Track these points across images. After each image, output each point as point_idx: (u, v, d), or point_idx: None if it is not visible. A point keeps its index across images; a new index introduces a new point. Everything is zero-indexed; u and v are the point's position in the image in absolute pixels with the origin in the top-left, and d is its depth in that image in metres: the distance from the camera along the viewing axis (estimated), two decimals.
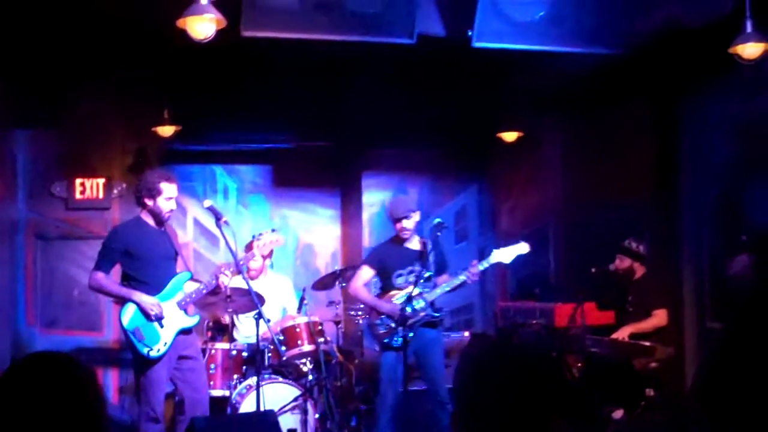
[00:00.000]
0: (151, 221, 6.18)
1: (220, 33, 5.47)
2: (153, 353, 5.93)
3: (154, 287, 6.05)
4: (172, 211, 6.16)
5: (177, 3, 5.35)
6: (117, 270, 6.31)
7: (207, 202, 6.17)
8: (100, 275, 6.08)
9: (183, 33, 5.45)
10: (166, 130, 8.71)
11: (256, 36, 5.98)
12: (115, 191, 9.29)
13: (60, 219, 9.19)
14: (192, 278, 6.27)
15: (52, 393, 2.24)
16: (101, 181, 9.21)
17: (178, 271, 6.27)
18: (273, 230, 6.56)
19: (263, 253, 6.55)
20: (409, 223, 6.75)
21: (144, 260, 6.09)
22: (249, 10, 5.81)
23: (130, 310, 5.97)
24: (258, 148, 9.99)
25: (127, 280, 6.10)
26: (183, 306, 6.10)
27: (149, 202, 6.11)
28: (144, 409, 6.05)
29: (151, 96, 7.91)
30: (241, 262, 6.46)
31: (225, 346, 7.26)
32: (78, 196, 9.17)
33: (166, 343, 5.98)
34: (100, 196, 9.22)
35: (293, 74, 7.62)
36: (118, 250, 6.08)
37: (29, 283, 9.05)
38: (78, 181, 9.16)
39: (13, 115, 8.53)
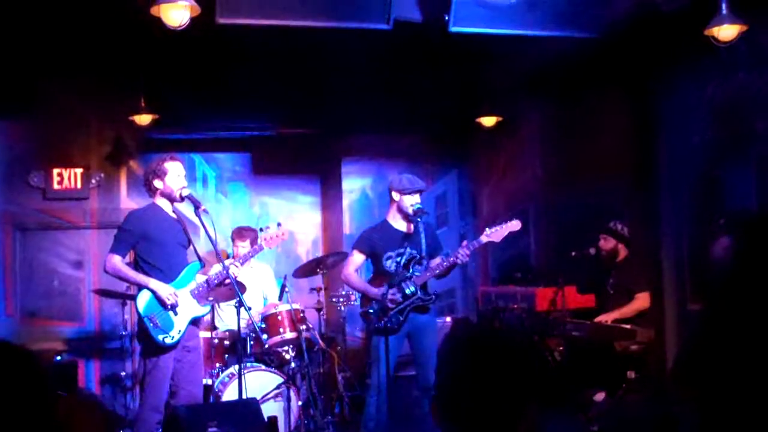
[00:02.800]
0: (166, 207, 6.15)
1: (195, 20, 5.44)
2: (168, 340, 5.91)
3: (167, 273, 6.02)
4: (184, 188, 6.12)
5: None
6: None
7: (185, 191, 6.12)
8: (116, 259, 6.02)
9: (158, 21, 5.42)
10: (144, 119, 8.66)
11: (231, 23, 5.94)
12: (93, 181, 9.25)
13: (38, 209, 9.14)
14: (202, 268, 6.25)
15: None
16: (79, 170, 9.18)
17: (189, 259, 6.24)
18: (279, 224, 6.50)
19: (270, 247, 6.50)
20: (411, 200, 6.68)
21: (159, 245, 6.05)
22: None
23: (144, 296, 5.94)
24: (236, 135, 9.97)
25: (140, 264, 6.07)
26: (196, 295, 6.09)
27: (159, 185, 6.09)
28: (148, 397, 6.01)
29: (127, 85, 7.87)
30: (250, 255, 6.52)
31: (207, 334, 7.24)
32: (56, 186, 9.14)
33: (180, 331, 5.97)
34: (78, 186, 9.19)
35: (270, 61, 7.60)
36: (135, 233, 6.03)
37: (8, 273, 9.01)
38: (55, 171, 9.13)
39: None
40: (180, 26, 5.37)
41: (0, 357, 2.29)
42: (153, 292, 5.92)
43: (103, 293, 8.19)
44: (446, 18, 6.27)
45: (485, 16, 6.30)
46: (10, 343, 2.36)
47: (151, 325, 5.87)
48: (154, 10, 5.36)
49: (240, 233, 7.94)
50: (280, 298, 7.87)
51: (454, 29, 6.33)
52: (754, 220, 2.88)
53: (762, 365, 2.54)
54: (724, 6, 5.91)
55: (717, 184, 7.12)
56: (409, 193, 6.69)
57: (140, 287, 5.98)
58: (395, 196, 6.77)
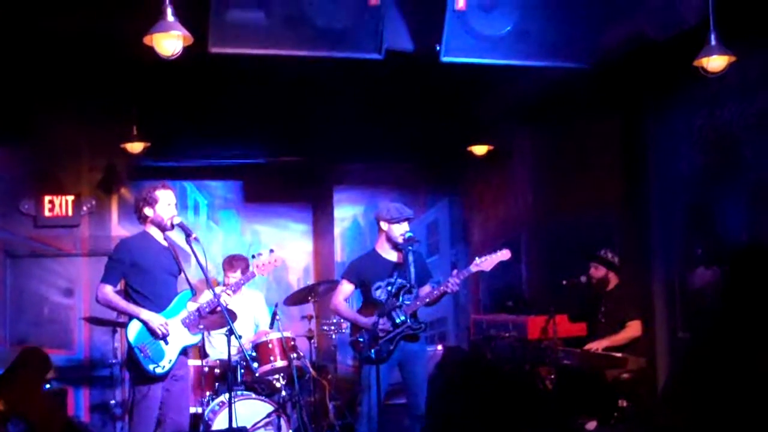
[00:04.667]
0: (157, 235, 6.14)
1: (187, 49, 5.45)
2: (159, 370, 5.87)
3: (157, 303, 5.99)
4: (174, 217, 6.10)
5: (143, 20, 5.32)
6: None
7: (176, 219, 6.11)
8: (108, 289, 5.99)
9: (150, 50, 5.43)
10: (136, 147, 8.67)
11: (223, 52, 5.96)
12: (85, 208, 9.25)
13: (29, 236, 9.13)
14: (193, 296, 6.22)
15: None
16: (70, 198, 9.18)
17: (179, 288, 6.22)
18: (271, 251, 6.48)
19: (263, 274, 6.48)
20: (400, 229, 6.70)
21: (149, 274, 6.02)
22: (216, 26, 5.80)
23: (135, 326, 5.90)
24: (228, 163, 9.97)
25: (131, 293, 6.03)
26: (187, 324, 6.06)
27: (149, 212, 6.08)
28: (137, 427, 5.95)
29: (119, 113, 7.89)
30: (242, 283, 6.54)
31: (197, 362, 7.21)
32: (47, 213, 9.13)
33: (171, 360, 5.93)
34: (70, 213, 9.18)
35: (262, 90, 7.62)
36: (126, 262, 6.01)
37: None
38: (47, 198, 9.13)
39: None
40: (173, 55, 5.38)
41: None
42: (144, 322, 5.89)
43: (94, 321, 8.16)
44: (438, 48, 6.31)
45: (476, 47, 6.34)
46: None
47: (142, 355, 5.84)
48: (146, 40, 5.37)
49: (231, 263, 7.93)
50: (271, 325, 7.85)
51: (445, 59, 6.36)
52: (735, 251, 2.91)
53: (746, 392, 2.55)
54: (713, 37, 5.96)
55: (707, 212, 7.14)
56: (397, 222, 6.71)
57: (131, 317, 5.96)
58: (383, 225, 6.79)
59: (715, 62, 6.05)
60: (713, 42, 5.98)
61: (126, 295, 6.05)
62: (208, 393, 7.25)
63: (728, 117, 6.88)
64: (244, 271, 7.63)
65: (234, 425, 6.29)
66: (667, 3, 6.37)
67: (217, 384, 7.37)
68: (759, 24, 6.24)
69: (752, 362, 2.62)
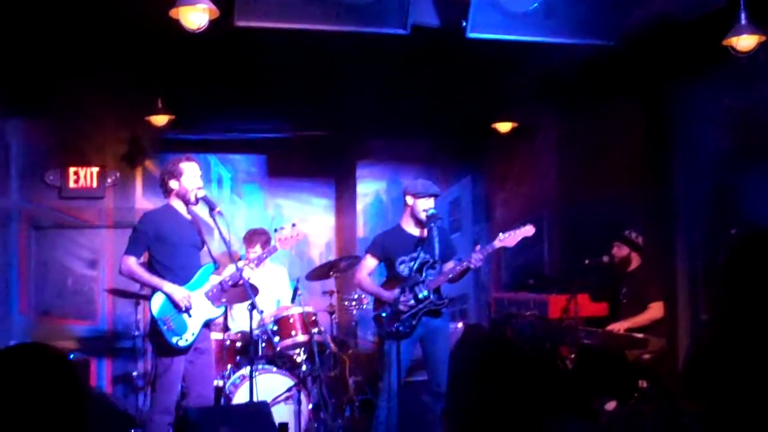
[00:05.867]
0: (180, 208, 6.16)
1: (213, 23, 5.45)
2: (182, 342, 5.91)
3: (180, 275, 6.03)
4: (200, 188, 6.12)
5: None
6: None
7: (201, 192, 6.12)
8: (131, 260, 6.03)
9: (176, 23, 5.43)
10: (160, 119, 8.69)
11: (249, 26, 5.94)
12: (109, 180, 9.29)
13: (54, 208, 9.19)
14: (216, 269, 6.25)
15: (35, 384, 2.24)
16: (95, 170, 9.22)
17: (202, 261, 6.25)
18: (293, 225, 6.48)
19: (285, 248, 6.49)
20: (425, 204, 6.69)
21: (173, 247, 6.05)
22: (242, 0, 5.78)
23: (159, 298, 5.94)
24: (252, 137, 9.98)
25: (154, 265, 6.07)
26: (210, 297, 6.09)
27: (174, 185, 6.10)
28: (159, 399, 6.01)
29: (144, 85, 7.88)
30: (264, 257, 6.50)
31: (219, 336, 7.25)
32: (72, 184, 9.17)
33: (193, 333, 5.97)
34: (94, 185, 9.22)
35: (287, 64, 7.59)
36: (150, 234, 6.04)
37: (23, 271, 9.05)
38: (72, 169, 9.17)
39: (6, 104, 8.53)
40: (198, 29, 5.38)
41: (37, 360, 2.30)
42: (167, 295, 5.92)
43: (117, 293, 8.22)
44: (464, 24, 6.26)
45: (503, 23, 6.28)
46: (48, 347, 2.37)
47: (165, 327, 5.88)
48: (172, 13, 5.36)
49: (250, 239, 7.95)
50: (293, 300, 7.88)
51: (471, 35, 6.31)
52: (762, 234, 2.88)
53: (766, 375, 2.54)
54: (743, 17, 5.89)
55: (732, 193, 7.08)
56: (423, 197, 6.70)
57: (154, 289, 5.99)
58: (409, 200, 6.77)
59: (745, 41, 5.99)
60: (743, 21, 5.91)
61: (149, 267, 6.08)
62: (229, 366, 7.30)
63: (756, 97, 6.81)
64: (264, 245, 7.66)
65: (255, 399, 6.34)
66: None
67: (238, 357, 7.42)
68: None
69: None
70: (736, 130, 7.04)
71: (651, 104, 7.99)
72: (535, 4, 6.26)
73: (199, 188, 6.11)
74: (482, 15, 6.23)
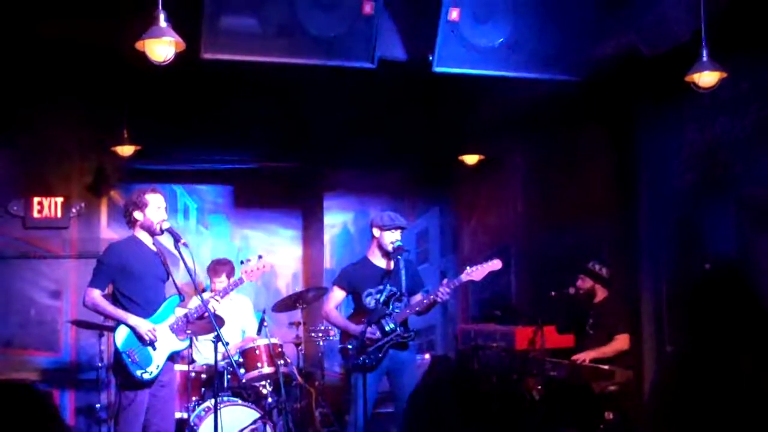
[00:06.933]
0: (145, 239, 6.11)
1: (179, 55, 5.44)
2: (146, 376, 5.84)
3: (145, 308, 5.96)
4: (163, 221, 6.08)
5: (136, 25, 5.31)
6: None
7: (165, 224, 6.08)
8: (95, 293, 5.95)
9: (142, 54, 5.42)
10: (126, 150, 8.65)
11: (216, 59, 5.95)
12: (74, 210, 9.20)
13: (17, 238, 9.09)
14: (182, 301, 6.19)
15: (11, 423, 2.22)
16: (59, 200, 9.13)
17: (167, 293, 6.19)
18: (260, 256, 6.46)
19: (251, 280, 6.46)
20: (391, 236, 6.70)
21: (138, 279, 5.99)
22: (209, 33, 5.79)
23: (123, 331, 5.87)
24: (219, 168, 9.96)
25: (119, 298, 6.00)
26: (174, 329, 6.03)
27: (139, 216, 6.05)
28: None
29: (110, 115, 7.87)
30: (230, 289, 6.45)
31: (184, 367, 7.18)
32: (36, 214, 9.08)
33: (158, 366, 5.90)
34: (59, 215, 9.13)
35: (254, 95, 7.61)
36: (114, 266, 5.98)
37: None
38: (36, 199, 9.07)
39: None
40: (164, 61, 5.37)
41: (22, 399, 2.27)
42: (132, 328, 5.87)
43: (80, 324, 8.12)
44: (430, 58, 6.32)
45: (469, 57, 6.35)
46: (32, 387, 2.34)
47: (130, 360, 5.81)
48: (138, 45, 5.36)
49: (215, 270, 7.91)
50: (259, 332, 7.83)
51: (438, 69, 6.37)
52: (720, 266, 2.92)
53: (730, 404, 2.56)
54: (704, 53, 5.98)
55: (696, 226, 7.16)
56: (390, 230, 6.71)
57: (119, 322, 5.93)
58: (376, 232, 6.78)
59: (707, 78, 6.08)
60: (705, 58, 6.01)
61: (114, 299, 6.02)
62: (194, 398, 7.22)
63: (719, 131, 6.91)
64: (228, 275, 7.63)
65: (219, 431, 6.27)
66: (659, 19, 6.40)
67: (203, 389, 7.34)
68: (750, 40, 6.28)
69: (735, 374, 2.63)
70: (699, 164, 7.13)
71: (616, 138, 8.09)
72: (501, 39, 6.33)
73: (163, 220, 6.08)
74: (449, 49, 6.30)
